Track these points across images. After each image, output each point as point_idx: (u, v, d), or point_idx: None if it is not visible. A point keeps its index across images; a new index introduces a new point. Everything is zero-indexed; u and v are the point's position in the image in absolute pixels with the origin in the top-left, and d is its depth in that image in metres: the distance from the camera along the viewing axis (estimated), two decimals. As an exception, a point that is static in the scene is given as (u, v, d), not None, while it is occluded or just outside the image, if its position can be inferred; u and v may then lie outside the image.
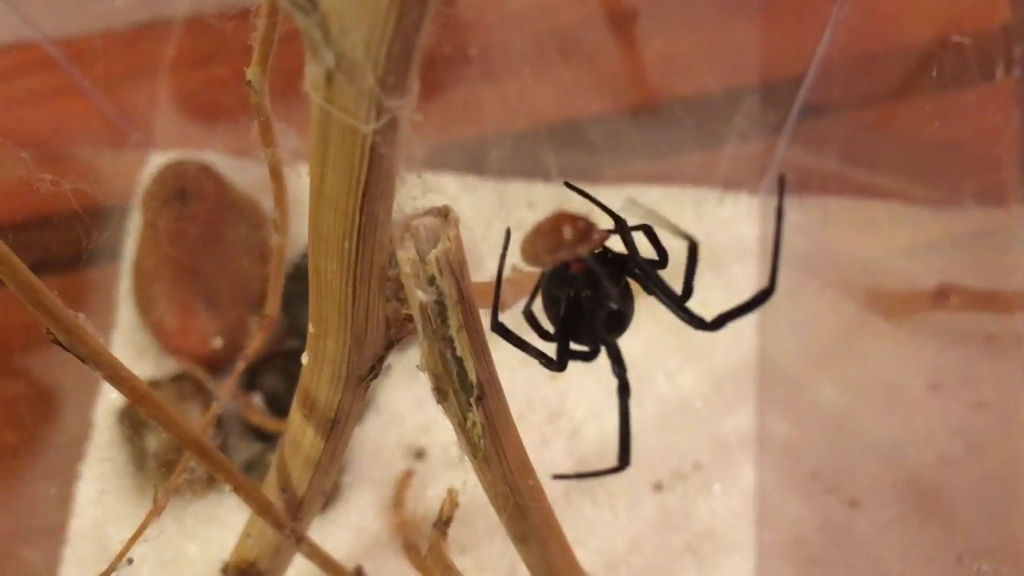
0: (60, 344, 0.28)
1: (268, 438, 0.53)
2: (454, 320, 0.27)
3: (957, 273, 0.41)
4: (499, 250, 0.29)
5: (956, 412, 0.40)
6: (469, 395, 0.28)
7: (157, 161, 0.58)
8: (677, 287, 0.29)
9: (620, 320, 0.29)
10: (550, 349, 0.30)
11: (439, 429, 0.54)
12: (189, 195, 0.52)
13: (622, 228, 0.29)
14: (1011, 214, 0.28)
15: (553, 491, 0.35)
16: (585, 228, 0.26)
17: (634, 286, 0.30)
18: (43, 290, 0.26)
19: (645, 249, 0.30)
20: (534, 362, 0.33)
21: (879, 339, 0.49)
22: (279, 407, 0.53)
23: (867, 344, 0.50)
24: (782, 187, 0.25)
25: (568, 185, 0.29)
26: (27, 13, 0.46)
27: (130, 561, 0.33)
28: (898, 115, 0.45)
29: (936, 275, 0.43)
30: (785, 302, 0.57)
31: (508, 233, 0.28)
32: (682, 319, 0.29)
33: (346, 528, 0.51)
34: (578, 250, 0.26)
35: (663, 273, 0.29)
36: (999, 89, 0.27)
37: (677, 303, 0.29)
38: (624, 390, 0.29)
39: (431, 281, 0.26)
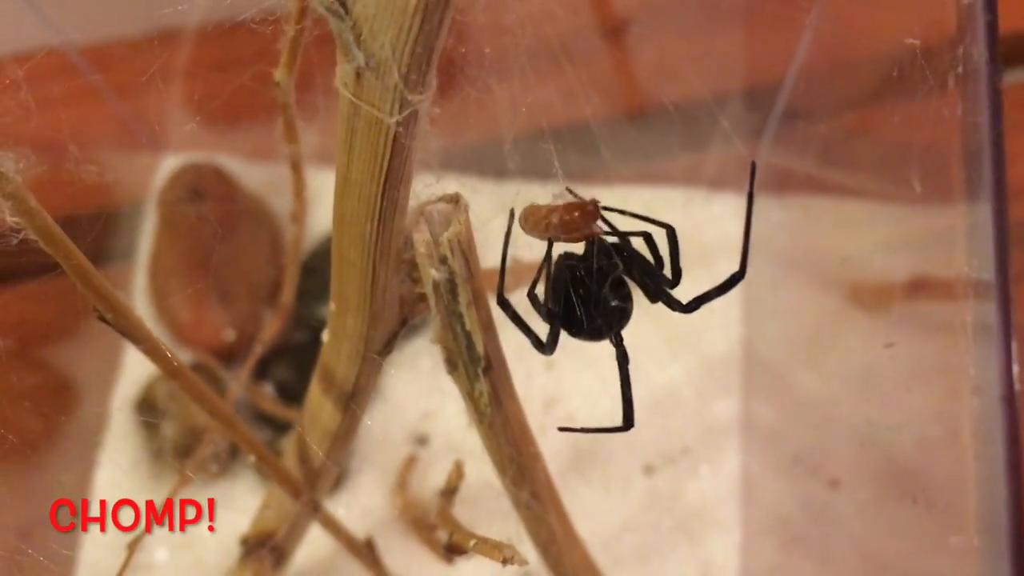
0: (106, 321, 0.30)
1: (278, 427, 0.56)
2: (464, 296, 0.30)
3: (931, 266, 0.43)
4: (500, 246, 0.32)
5: (931, 398, 0.42)
6: (477, 366, 0.31)
7: (170, 163, 0.61)
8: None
9: (621, 314, 0.31)
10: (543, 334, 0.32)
11: (441, 417, 0.57)
12: (203, 195, 0.55)
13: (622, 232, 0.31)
14: (957, 211, 0.31)
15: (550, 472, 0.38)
16: (593, 211, 0.29)
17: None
18: (93, 271, 0.28)
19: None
20: (531, 354, 0.35)
21: (858, 330, 0.51)
22: (290, 397, 0.56)
23: (846, 334, 0.53)
24: (753, 173, 0.28)
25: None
26: (55, 21, 0.49)
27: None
28: (873, 118, 0.48)
29: (911, 268, 0.45)
30: (768, 295, 0.59)
31: (512, 214, 0.30)
32: (664, 303, 0.32)
33: (354, 509, 0.54)
34: (584, 231, 0.28)
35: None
36: (951, 92, 0.30)
37: (661, 289, 0.31)
38: (623, 358, 0.32)
39: (443, 261, 0.29)
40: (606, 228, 0.30)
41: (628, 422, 0.32)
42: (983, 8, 0.28)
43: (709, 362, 0.59)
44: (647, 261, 0.31)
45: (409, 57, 0.23)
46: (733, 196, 0.62)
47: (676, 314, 0.32)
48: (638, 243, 0.32)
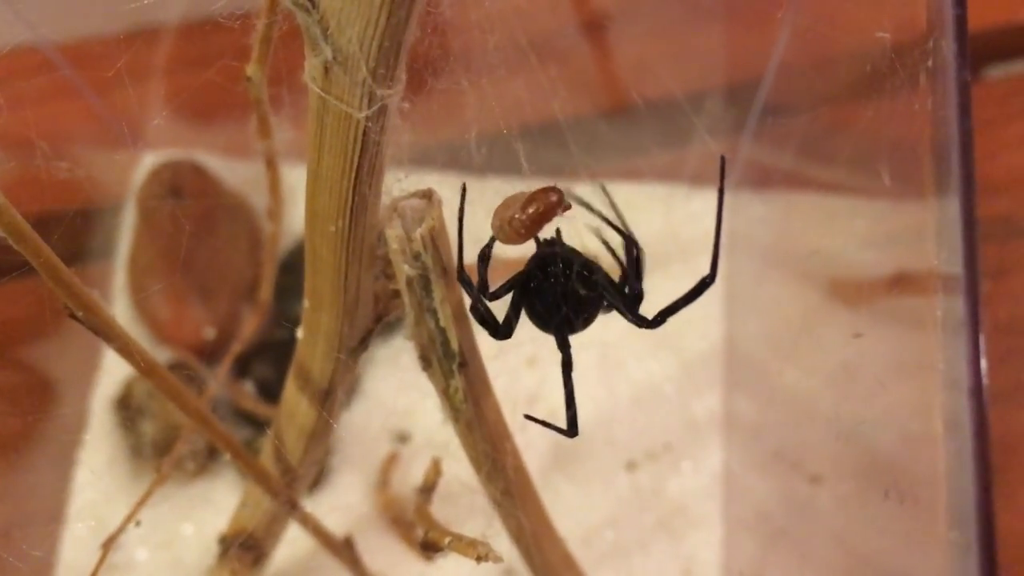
0: (77, 319, 0.30)
1: (259, 425, 0.55)
2: (438, 292, 0.30)
3: (907, 261, 0.43)
4: (476, 243, 0.32)
5: (906, 392, 0.43)
6: (451, 362, 0.31)
7: (149, 161, 0.61)
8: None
9: (577, 318, 0.31)
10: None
11: (422, 414, 0.57)
12: (183, 192, 0.55)
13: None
14: (928, 205, 0.31)
15: (530, 470, 0.38)
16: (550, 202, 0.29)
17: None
18: (63, 269, 0.28)
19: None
20: (512, 350, 0.34)
21: (839, 325, 0.52)
22: (269, 394, 0.56)
23: (828, 330, 0.53)
24: (723, 168, 0.28)
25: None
26: (31, 19, 0.48)
27: (138, 523, 0.35)
28: (850, 114, 0.48)
29: (888, 263, 0.45)
30: (750, 291, 0.59)
31: (464, 187, 0.30)
32: (629, 320, 0.31)
33: (334, 507, 0.54)
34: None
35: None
36: (922, 86, 0.30)
37: (626, 306, 0.31)
38: (567, 366, 0.31)
39: (416, 257, 0.29)
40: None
41: (572, 429, 0.31)
42: (952, 2, 0.28)
43: (690, 358, 0.59)
44: (610, 279, 0.31)
45: (377, 51, 0.23)
46: (714, 192, 0.61)
47: (657, 310, 0.32)
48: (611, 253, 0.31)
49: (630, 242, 0.31)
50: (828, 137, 0.50)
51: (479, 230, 0.32)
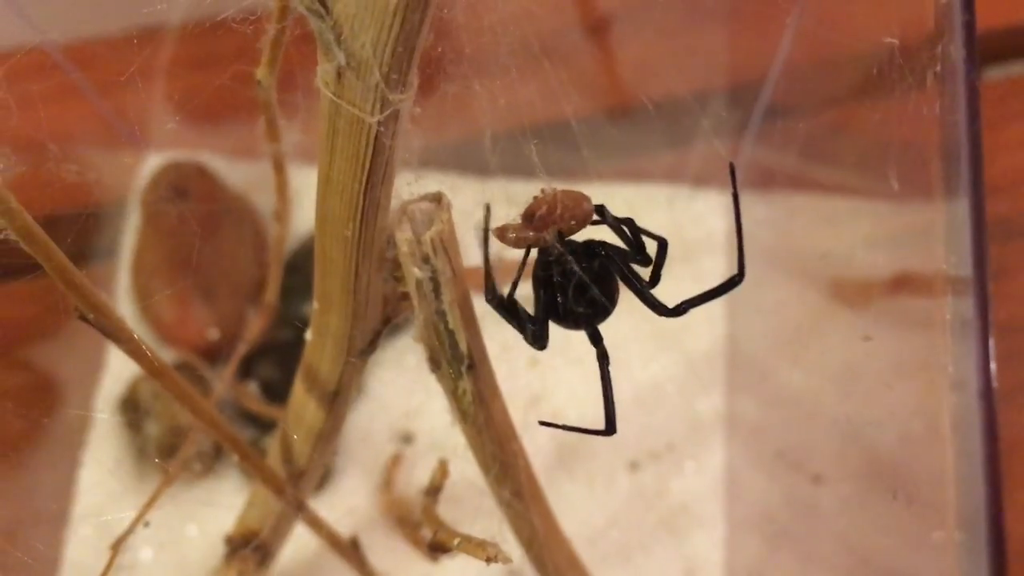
0: (87, 320, 0.30)
1: (263, 425, 0.56)
2: (447, 295, 0.30)
3: (911, 263, 0.44)
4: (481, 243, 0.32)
5: (911, 393, 0.43)
6: (460, 364, 0.31)
7: (153, 162, 0.61)
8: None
9: (599, 305, 0.31)
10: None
11: (426, 415, 0.57)
12: (187, 193, 0.55)
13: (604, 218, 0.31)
14: (936, 207, 0.31)
15: (534, 469, 0.38)
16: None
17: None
18: (74, 271, 0.28)
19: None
20: (515, 350, 0.34)
21: (843, 326, 0.52)
22: (274, 395, 0.56)
23: (830, 330, 0.53)
24: (733, 176, 0.28)
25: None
26: (36, 20, 0.49)
27: (147, 524, 0.35)
28: (854, 116, 0.48)
29: (892, 265, 0.45)
30: (752, 292, 0.59)
31: (488, 208, 0.30)
32: (647, 305, 0.32)
33: (338, 508, 0.54)
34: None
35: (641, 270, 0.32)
36: (930, 90, 0.30)
37: (643, 290, 0.31)
38: (604, 358, 0.32)
39: (426, 260, 0.29)
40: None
41: (610, 427, 0.31)
42: (960, 7, 0.28)
43: (693, 358, 0.59)
44: (622, 259, 0.31)
45: (390, 56, 0.23)
46: (716, 193, 0.62)
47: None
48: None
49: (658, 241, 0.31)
50: (832, 139, 0.50)
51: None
